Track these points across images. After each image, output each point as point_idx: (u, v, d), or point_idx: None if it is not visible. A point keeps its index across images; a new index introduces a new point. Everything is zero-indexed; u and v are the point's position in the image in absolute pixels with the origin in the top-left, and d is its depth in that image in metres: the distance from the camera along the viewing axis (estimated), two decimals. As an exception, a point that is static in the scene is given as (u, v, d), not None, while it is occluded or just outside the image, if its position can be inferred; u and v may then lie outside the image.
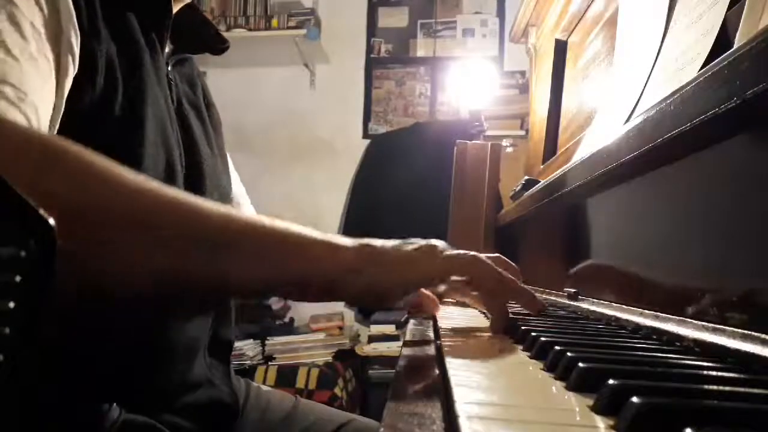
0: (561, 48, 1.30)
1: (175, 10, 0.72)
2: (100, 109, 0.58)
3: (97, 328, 0.58)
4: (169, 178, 0.67)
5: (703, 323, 0.44)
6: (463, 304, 0.85)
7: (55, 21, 0.53)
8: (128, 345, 0.62)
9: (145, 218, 0.46)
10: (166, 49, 0.72)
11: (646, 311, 0.54)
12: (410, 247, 0.54)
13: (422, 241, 0.56)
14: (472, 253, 0.58)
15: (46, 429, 0.56)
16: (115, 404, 0.60)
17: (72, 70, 0.55)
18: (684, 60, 0.58)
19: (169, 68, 0.72)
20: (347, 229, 2.78)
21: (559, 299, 0.80)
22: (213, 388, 0.72)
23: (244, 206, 0.96)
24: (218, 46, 0.83)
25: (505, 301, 0.60)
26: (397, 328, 2.58)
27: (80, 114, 0.55)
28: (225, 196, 0.84)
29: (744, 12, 0.48)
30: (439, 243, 0.57)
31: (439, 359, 0.42)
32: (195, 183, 0.72)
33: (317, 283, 0.51)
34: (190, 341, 0.69)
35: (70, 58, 0.54)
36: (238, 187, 0.96)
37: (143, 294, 0.59)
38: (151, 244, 0.47)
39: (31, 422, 0.54)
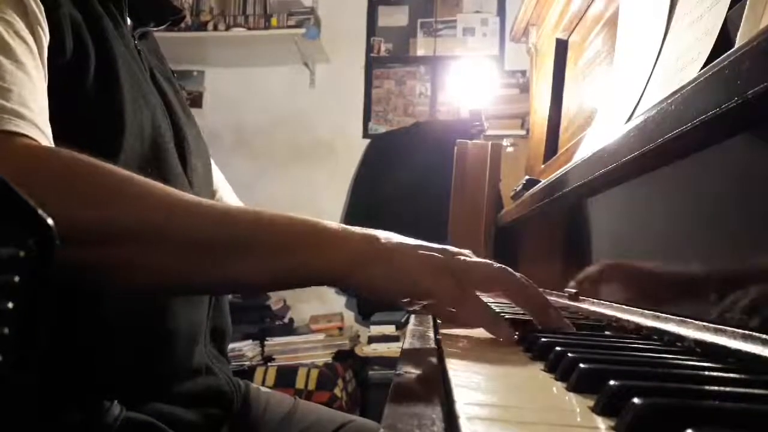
0: (561, 47, 1.30)
1: None
2: (75, 72, 0.59)
3: (100, 315, 0.59)
4: (158, 138, 0.67)
5: (704, 323, 0.44)
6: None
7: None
8: (131, 331, 0.63)
9: (176, 230, 0.49)
10: (128, 23, 0.73)
11: (647, 311, 0.54)
12: (419, 253, 0.51)
13: (438, 247, 0.53)
14: (486, 263, 0.53)
15: (50, 427, 0.56)
16: (116, 401, 0.60)
17: (45, 40, 0.56)
18: (685, 60, 0.58)
19: (136, 41, 0.74)
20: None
21: (559, 299, 0.80)
22: (212, 376, 0.72)
23: (224, 193, 0.96)
24: (176, 16, 0.83)
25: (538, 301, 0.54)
26: (397, 328, 2.58)
27: (57, 79, 0.56)
28: (207, 163, 0.84)
29: (745, 12, 0.48)
30: (454, 251, 0.53)
31: (440, 360, 0.42)
32: (179, 146, 0.73)
33: (323, 277, 0.52)
34: (191, 327, 0.69)
35: (40, 29, 0.55)
36: (217, 174, 0.96)
37: (147, 293, 0.60)
38: (164, 252, 0.49)
39: (35, 420, 0.54)
